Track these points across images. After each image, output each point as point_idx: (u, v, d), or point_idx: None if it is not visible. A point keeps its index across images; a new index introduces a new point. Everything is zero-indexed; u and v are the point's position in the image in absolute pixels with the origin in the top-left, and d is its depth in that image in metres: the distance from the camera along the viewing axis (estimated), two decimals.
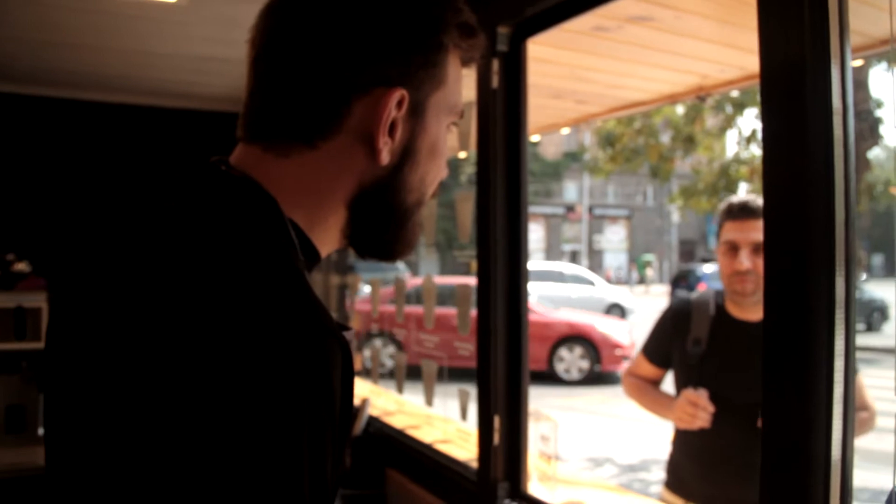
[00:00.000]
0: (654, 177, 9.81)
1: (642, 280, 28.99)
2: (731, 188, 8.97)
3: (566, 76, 2.14)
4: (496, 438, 1.72)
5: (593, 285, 17.99)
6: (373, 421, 2.34)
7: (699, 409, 2.04)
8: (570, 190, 30.60)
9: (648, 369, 2.36)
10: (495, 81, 1.69)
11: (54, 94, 2.96)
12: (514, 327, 1.72)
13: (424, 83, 0.79)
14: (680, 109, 8.18)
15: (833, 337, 0.96)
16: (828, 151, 0.96)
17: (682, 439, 2.21)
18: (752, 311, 2.16)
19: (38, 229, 2.93)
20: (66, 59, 2.58)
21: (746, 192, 9.12)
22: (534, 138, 3.34)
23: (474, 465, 1.82)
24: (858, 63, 1.98)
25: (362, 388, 2.77)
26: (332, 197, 0.78)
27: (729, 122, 8.58)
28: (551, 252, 29.23)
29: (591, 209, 30.54)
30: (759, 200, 2.09)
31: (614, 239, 31.94)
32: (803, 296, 0.98)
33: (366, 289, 3.05)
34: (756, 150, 8.37)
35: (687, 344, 2.24)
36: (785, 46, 0.99)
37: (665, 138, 8.97)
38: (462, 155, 1.98)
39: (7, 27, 2.23)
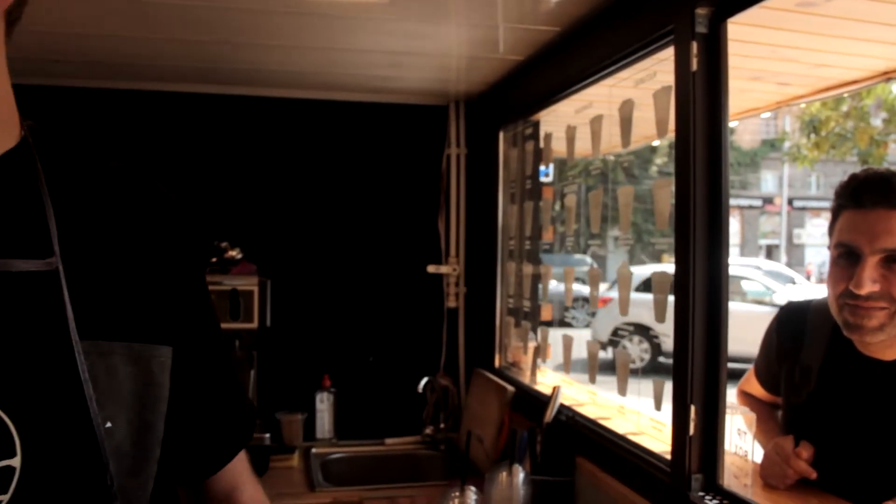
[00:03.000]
0: (864, 164, 9.09)
1: None
2: None
3: (767, 56, 2.05)
4: (692, 429, 1.69)
5: (794, 283, 16.96)
6: (563, 409, 2.36)
7: (790, 471, 1.55)
8: (768, 180, 28.96)
9: (760, 391, 1.88)
10: (694, 64, 1.66)
11: (256, 94, 3.21)
12: (713, 314, 1.68)
13: None
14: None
15: None
16: None
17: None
18: (883, 349, 1.53)
19: (246, 219, 3.21)
20: (267, 60, 2.78)
21: None
22: (731, 124, 3.22)
23: (667, 456, 1.80)
24: None
25: (554, 378, 2.79)
26: None
27: None
28: (747, 247, 27.82)
29: (790, 201, 28.74)
30: None
31: (816, 233, 29.85)
32: None
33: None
34: None
35: (795, 371, 1.68)
36: None
37: (877, 121, 8.29)
38: (655, 142, 1.95)
39: (215, 32, 2.43)
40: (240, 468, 0.99)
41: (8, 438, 0.66)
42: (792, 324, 1.75)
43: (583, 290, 2.87)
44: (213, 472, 0.96)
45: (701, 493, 1.67)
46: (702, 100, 1.67)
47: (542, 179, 2.86)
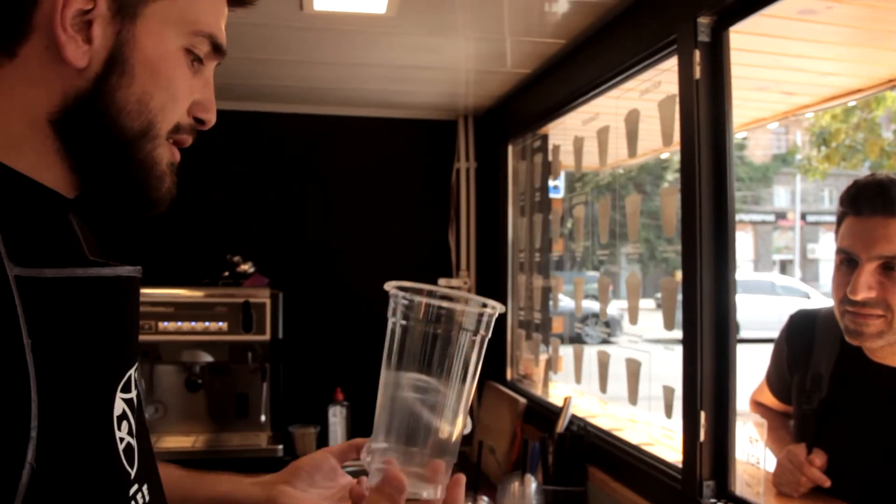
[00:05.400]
0: None
1: None
2: None
3: (771, 65, 2.06)
4: (702, 435, 1.69)
5: (808, 298, 16.87)
6: (575, 420, 2.36)
7: (804, 479, 1.55)
8: (781, 195, 28.83)
9: (773, 401, 1.88)
10: (697, 72, 1.68)
11: (268, 109, 3.27)
12: (721, 320, 1.69)
13: None
14: None
15: None
16: None
17: None
18: (890, 355, 1.54)
19: (259, 233, 3.27)
20: (279, 75, 2.83)
21: None
22: (739, 135, 3.23)
23: (679, 465, 1.80)
24: None
25: (565, 389, 2.80)
26: (25, 108, 0.68)
27: None
28: (760, 262, 27.67)
29: (804, 216, 28.61)
30: None
31: (830, 248, 29.58)
32: None
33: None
34: None
35: (806, 379, 1.68)
36: None
37: (888, 133, 8.27)
38: (665, 155, 1.96)
39: (229, 47, 2.45)
40: None
41: None
42: (802, 332, 1.76)
43: (594, 306, 2.86)
44: None
45: (713, 500, 1.67)
46: (705, 107, 1.69)
47: (552, 196, 2.88)
